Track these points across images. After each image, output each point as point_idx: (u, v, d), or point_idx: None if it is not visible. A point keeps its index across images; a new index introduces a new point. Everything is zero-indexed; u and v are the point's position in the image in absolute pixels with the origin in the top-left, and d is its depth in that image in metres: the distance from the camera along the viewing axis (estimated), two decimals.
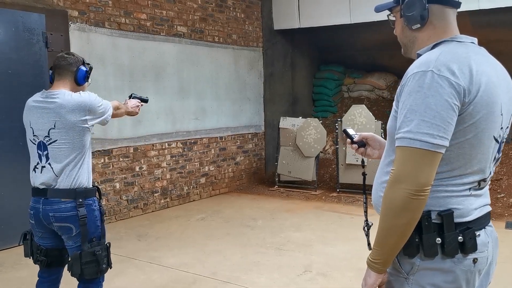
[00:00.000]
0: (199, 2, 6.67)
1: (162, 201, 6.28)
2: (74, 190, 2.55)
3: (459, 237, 1.38)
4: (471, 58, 1.38)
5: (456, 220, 1.39)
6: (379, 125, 6.50)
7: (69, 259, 2.60)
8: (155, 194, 6.17)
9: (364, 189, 1.92)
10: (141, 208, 5.99)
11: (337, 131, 6.88)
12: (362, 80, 9.10)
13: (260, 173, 8.00)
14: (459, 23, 1.52)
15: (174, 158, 6.41)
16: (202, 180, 6.88)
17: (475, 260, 1.40)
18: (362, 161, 2.01)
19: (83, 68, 2.68)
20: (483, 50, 1.48)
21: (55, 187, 2.55)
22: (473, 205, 1.43)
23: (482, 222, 1.45)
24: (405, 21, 1.52)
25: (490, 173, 1.49)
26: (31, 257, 2.73)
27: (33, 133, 2.60)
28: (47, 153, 2.56)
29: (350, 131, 1.90)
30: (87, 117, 2.57)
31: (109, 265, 2.68)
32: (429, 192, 1.34)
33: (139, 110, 3.15)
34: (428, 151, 1.32)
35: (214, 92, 6.99)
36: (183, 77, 6.47)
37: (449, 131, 1.33)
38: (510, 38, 7.05)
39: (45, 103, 2.57)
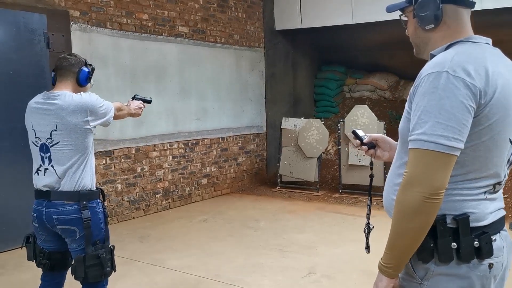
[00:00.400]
0: (201, 2, 6.64)
1: (164, 202, 6.25)
2: (78, 192, 2.52)
3: (475, 242, 1.35)
4: (487, 59, 1.35)
5: (472, 224, 1.37)
6: (381, 126, 6.46)
7: (73, 262, 2.57)
8: (157, 195, 6.14)
9: (370, 191, 1.89)
10: (143, 209, 5.96)
11: (339, 131, 6.85)
12: (363, 80, 9.07)
13: (262, 174, 7.96)
14: None
15: (175, 159, 6.39)
16: (204, 181, 6.85)
17: (490, 266, 1.38)
18: (371, 163, 1.99)
19: (85, 69, 2.64)
20: (498, 51, 1.45)
21: (59, 190, 2.52)
22: (488, 209, 1.40)
23: (497, 226, 1.42)
24: (418, 21, 1.49)
25: (505, 176, 1.46)
26: (34, 260, 2.69)
27: (35, 135, 2.56)
28: (50, 155, 2.52)
29: (360, 133, 1.87)
30: (89, 118, 2.53)
31: (113, 268, 2.64)
32: (443, 195, 1.31)
33: (142, 111, 3.12)
34: (442, 154, 1.29)
35: (216, 93, 6.97)
36: (185, 78, 6.45)
37: (464, 133, 1.30)
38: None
39: (46, 104, 2.53)
